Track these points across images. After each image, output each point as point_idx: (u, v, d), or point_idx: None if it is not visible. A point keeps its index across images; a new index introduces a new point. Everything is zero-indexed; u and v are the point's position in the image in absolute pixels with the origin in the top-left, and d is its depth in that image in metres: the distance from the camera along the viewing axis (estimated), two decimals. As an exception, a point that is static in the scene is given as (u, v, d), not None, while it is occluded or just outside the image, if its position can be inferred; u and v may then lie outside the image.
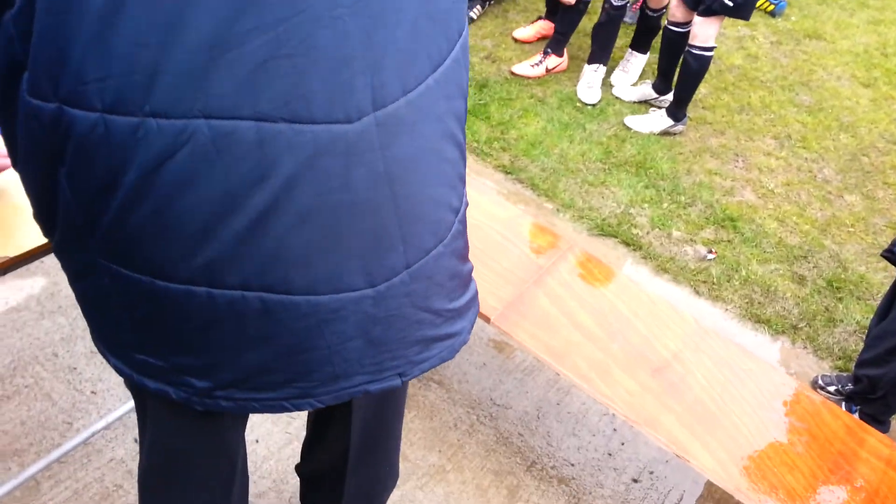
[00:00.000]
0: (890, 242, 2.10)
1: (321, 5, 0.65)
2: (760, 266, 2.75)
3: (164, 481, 1.06)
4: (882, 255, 2.10)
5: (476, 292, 1.01)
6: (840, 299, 2.69)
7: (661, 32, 3.32)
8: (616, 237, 2.74)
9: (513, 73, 3.44)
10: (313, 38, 0.65)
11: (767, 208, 3.03)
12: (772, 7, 4.38)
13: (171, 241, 0.73)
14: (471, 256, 1.81)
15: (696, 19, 2.95)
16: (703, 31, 2.95)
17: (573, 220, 2.77)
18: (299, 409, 0.87)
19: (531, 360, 2.20)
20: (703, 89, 3.61)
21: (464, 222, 0.93)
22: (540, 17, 3.73)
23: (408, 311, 0.85)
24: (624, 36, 3.68)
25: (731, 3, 2.81)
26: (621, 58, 3.58)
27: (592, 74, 3.39)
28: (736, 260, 2.75)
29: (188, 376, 0.84)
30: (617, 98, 3.45)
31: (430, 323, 0.88)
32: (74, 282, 0.84)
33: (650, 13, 3.34)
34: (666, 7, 3.28)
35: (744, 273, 2.71)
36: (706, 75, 3.18)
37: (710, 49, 2.98)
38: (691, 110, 3.45)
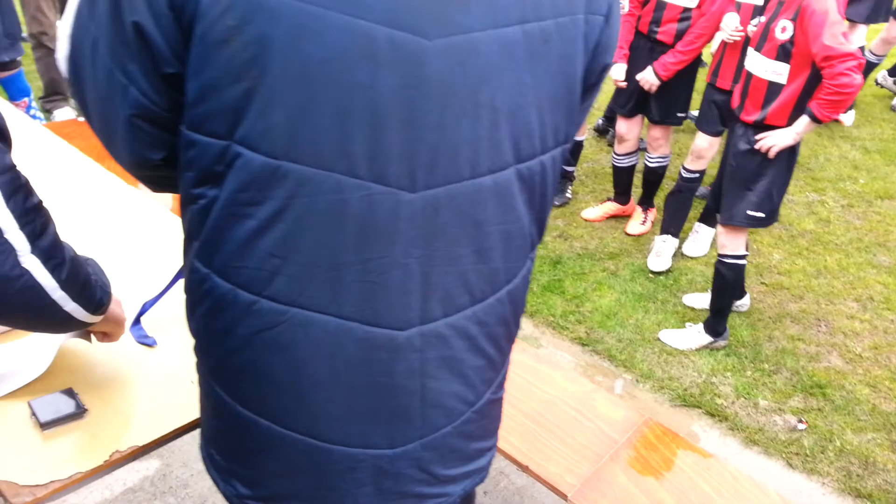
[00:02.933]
0: None
1: (398, 253, 0.89)
2: (856, 435, 2.65)
3: None
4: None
5: (479, 468, 1.18)
6: (951, 470, 2.54)
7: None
8: (700, 408, 2.73)
9: (627, 234, 3.77)
10: (388, 274, 0.90)
11: (857, 374, 2.96)
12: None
13: (257, 384, 0.97)
14: (546, 432, 1.88)
15: (720, 228, 2.86)
16: (732, 242, 2.81)
17: (654, 391, 2.79)
18: None
19: (617, 538, 2.16)
20: (776, 255, 3.67)
21: (482, 411, 1.10)
22: (609, 199, 3.97)
23: (412, 472, 1.05)
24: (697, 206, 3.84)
25: (761, 214, 2.73)
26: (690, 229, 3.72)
27: (661, 245, 3.53)
28: (829, 429, 2.67)
29: (236, 481, 1.06)
30: (690, 267, 3.55)
31: (426, 482, 1.08)
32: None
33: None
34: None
35: (838, 443, 2.61)
36: (779, 240, 3.26)
37: (743, 257, 2.85)
38: (767, 276, 3.50)
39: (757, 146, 2.64)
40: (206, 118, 0.81)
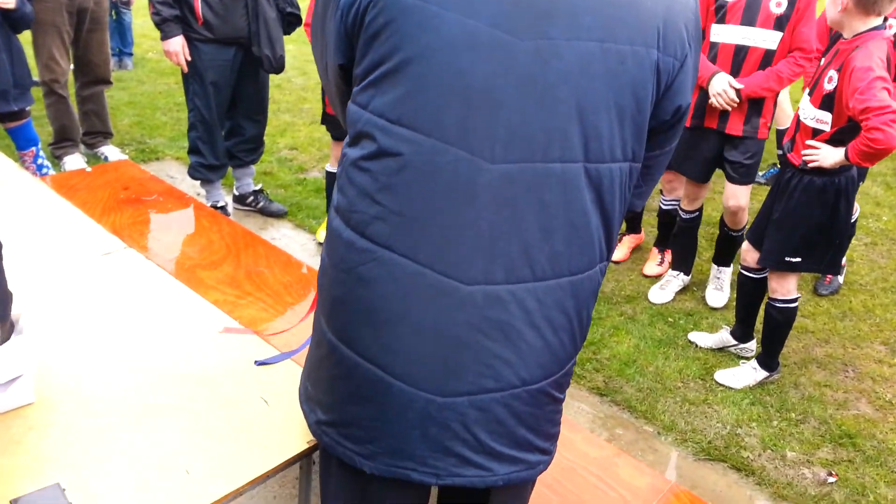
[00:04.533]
0: None
1: (473, 214, 1.04)
2: (889, 489, 2.54)
3: None
4: None
5: (527, 462, 1.20)
6: None
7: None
8: (725, 461, 2.64)
9: (645, 275, 3.72)
10: (462, 231, 1.06)
11: (888, 422, 2.85)
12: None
13: (345, 313, 1.13)
14: (567, 499, 1.80)
15: (770, 273, 2.86)
16: (781, 286, 2.82)
17: (676, 444, 2.70)
18: (358, 466, 1.15)
19: None
20: (801, 297, 3.58)
21: (535, 396, 1.15)
22: (623, 235, 3.92)
23: (457, 427, 1.11)
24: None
25: (797, 260, 2.73)
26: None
27: (671, 279, 3.55)
28: (861, 482, 2.56)
29: (318, 407, 1.21)
30: (712, 310, 3.47)
31: (470, 446, 1.13)
32: None
33: (731, 233, 3.41)
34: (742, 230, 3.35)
35: (871, 498, 2.51)
36: (803, 281, 3.17)
37: (794, 300, 2.84)
38: (790, 318, 3.41)
39: (804, 156, 2.62)
40: (359, 93, 1.08)
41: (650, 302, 3.50)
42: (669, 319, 3.38)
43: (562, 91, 1.02)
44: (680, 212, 3.46)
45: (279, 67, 3.56)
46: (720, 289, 3.52)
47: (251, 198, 4.02)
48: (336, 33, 1.10)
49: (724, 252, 3.49)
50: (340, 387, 1.15)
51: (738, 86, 2.96)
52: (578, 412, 2.81)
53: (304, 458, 1.48)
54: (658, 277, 3.68)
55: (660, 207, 3.65)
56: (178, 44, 3.36)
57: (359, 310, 1.10)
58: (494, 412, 1.12)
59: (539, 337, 1.11)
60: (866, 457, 2.68)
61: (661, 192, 3.65)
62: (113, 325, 1.78)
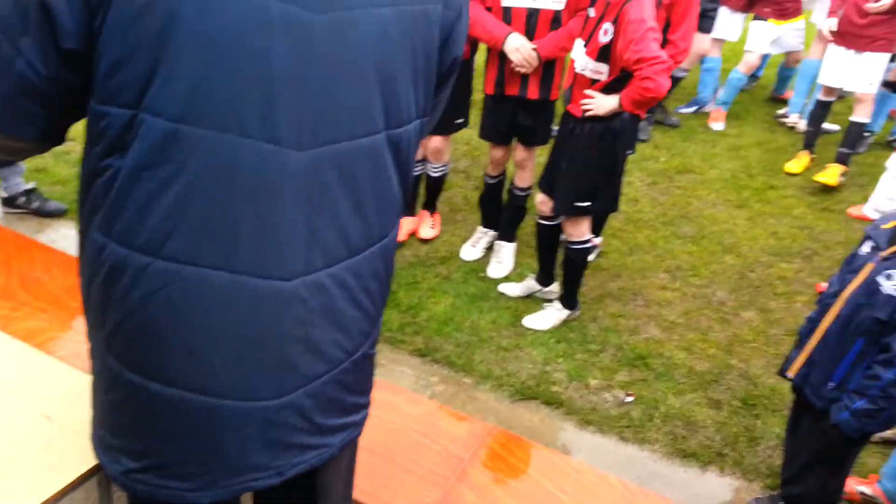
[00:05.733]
0: (783, 360, 2.26)
1: (286, 208, 0.97)
2: (677, 399, 2.88)
3: None
4: (779, 374, 2.27)
5: (355, 422, 1.25)
6: (757, 416, 2.83)
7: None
8: (537, 398, 2.84)
9: (421, 238, 3.77)
10: (277, 228, 0.99)
11: (672, 340, 3.22)
12: None
13: (149, 346, 1.01)
14: (392, 465, 1.86)
15: (563, 219, 3.06)
16: (576, 230, 3.03)
17: (493, 391, 2.87)
18: (190, 501, 1.08)
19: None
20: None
21: (358, 363, 1.18)
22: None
23: (296, 420, 1.11)
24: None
25: (587, 204, 2.93)
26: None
27: (482, 235, 3.74)
28: (653, 398, 2.88)
29: (124, 456, 1.09)
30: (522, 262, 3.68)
31: (308, 432, 1.13)
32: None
33: (517, 192, 3.52)
34: (531, 188, 3.48)
35: (663, 409, 2.83)
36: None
37: (588, 241, 3.07)
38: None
39: (582, 105, 2.80)
40: (117, 91, 0.89)
41: (463, 260, 3.65)
42: (481, 275, 3.55)
43: (362, 63, 0.98)
44: (486, 177, 3.59)
45: None
46: (500, 261, 3.62)
47: (23, 198, 3.63)
48: (70, 7, 0.86)
49: (511, 223, 3.62)
50: (154, 428, 1.05)
51: (533, 46, 3.08)
52: (402, 376, 2.88)
53: (99, 471, 1.40)
54: (433, 240, 3.80)
55: (428, 175, 3.72)
56: None
57: (166, 339, 0.99)
58: (326, 393, 1.13)
59: (359, 309, 1.12)
60: (657, 374, 3.01)
61: (424, 159, 3.66)
62: None
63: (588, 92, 2.78)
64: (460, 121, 3.54)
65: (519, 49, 3.07)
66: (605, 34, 2.68)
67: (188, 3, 0.86)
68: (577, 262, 3.12)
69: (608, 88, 2.75)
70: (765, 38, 5.26)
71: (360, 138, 1.01)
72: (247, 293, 0.98)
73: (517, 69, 3.11)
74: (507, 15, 3.11)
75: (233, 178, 0.93)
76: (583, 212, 2.98)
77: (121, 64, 0.87)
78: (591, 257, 3.51)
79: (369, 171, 1.04)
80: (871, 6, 4.24)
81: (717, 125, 5.46)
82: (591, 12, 2.79)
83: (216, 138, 0.91)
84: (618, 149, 2.91)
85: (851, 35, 4.42)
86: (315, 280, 1.03)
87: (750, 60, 5.35)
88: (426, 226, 3.84)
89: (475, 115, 3.73)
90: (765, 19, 5.21)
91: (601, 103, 2.75)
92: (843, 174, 4.64)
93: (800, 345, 2.16)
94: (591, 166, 2.89)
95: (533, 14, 3.09)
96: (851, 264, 2.05)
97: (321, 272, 1.04)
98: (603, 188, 2.94)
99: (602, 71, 2.74)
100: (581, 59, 2.80)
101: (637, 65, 2.53)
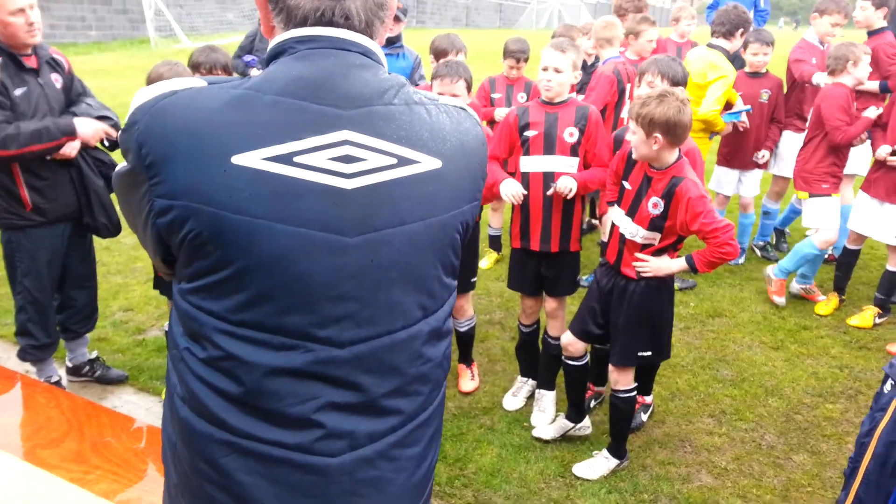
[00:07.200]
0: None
1: (331, 393, 1.14)
2: (739, 550, 2.77)
3: None
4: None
5: None
6: (825, 567, 2.70)
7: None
8: (593, 553, 2.76)
9: (462, 392, 3.83)
10: (319, 411, 1.15)
11: (727, 487, 3.14)
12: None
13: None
14: None
15: (611, 367, 3.17)
16: (624, 378, 3.15)
17: (548, 546, 2.79)
18: None
19: None
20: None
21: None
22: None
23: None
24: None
25: (648, 353, 3.11)
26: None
27: (522, 385, 3.81)
28: (714, 549, 2.78)
29: None
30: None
31: None
32: None
33: (551, 341, 3.59)
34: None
35: (726, 562, 2.72)
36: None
37: (634, 389, 3.17)
38: (629, 406, 3.71)
39: (637, 267, 3.01)
40: (190, 293, 1.13)
41: (506, 410, 3.67)
42: (525, 424, 3.56)
43: (394, 272, 1.15)
44: (521, 326, 3.74)
45: (116, 231, 3.53)
46: (542, 410, 3.63)
47: (87, 367, 3.80)
48: (152, 235, 1.13)
49: (549, 371, 3.66)
50: None
51: (524, 192, 3.34)
52: (453, 532, 2.84)
53: None
54: (475, 391, 3.85)
55: (457, 331, 3.83)
56: None
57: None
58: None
59: (402, 471, 1.22)
60: (714, 523, 2.91)
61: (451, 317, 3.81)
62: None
63: (640, 256, 3.02)
64: (474, 279, 3.80)
65: (512, 197, 3.33)
66: (654, 207, 2.94)
67: (241, 237, 1.08)
68: (624, 411, 3.17)
69: (659, 252, 3.01)
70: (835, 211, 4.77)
71: (399, 332, 1.18)
72: (296, 467, 1.14)
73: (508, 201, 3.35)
74: (525, 180, 3.38)
75: (283, 369, 1.13)
76: (644, 360, 3.14)
77: (193, 277, 1.14)
78: (644, 417, 3.58)
79: (406, 356, 1.20)
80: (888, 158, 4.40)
81: (780, 300, 5.01)
82: (627, 185, 3.07)
83: (268, 340, 1.11)
84: (669, 297, 3.13)
85: (879, 184, 4.48)
86: (361, 455, 1.17)
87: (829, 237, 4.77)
88: (465, 378, 3.91)
89: (503, 268, 3.91)
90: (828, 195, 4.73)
91: (659, 266, 3.00)
92: (878, 315, 4.67)
93: (846, 486, 2.15)
94: (652, 318, 3.09)
95: (548, 177, 3.35)
96: (878, 402, 2.10)
97: (367, 448, 1.17)
98: (662, 336, 3.13)
99: (653, 237, 3.00)
100: (630, 227, 3.04)
101: (713, 234, 2.83)
